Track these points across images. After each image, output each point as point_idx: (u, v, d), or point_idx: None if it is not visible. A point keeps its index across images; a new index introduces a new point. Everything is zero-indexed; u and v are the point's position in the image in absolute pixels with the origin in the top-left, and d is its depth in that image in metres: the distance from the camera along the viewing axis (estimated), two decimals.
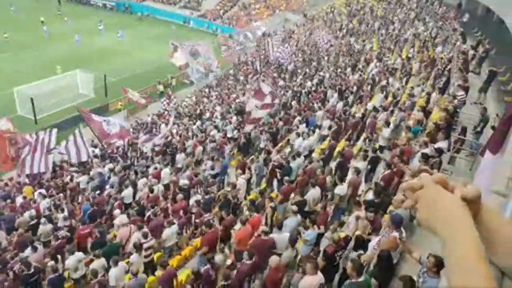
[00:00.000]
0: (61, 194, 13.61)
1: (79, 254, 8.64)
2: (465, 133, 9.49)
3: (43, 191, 13.60)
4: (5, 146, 13.25)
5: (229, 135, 16.40)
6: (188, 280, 7.57)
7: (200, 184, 11.77)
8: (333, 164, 10.90)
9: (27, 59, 33.20)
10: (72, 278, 8.53)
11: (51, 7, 51.28)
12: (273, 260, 6.35)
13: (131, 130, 21.88)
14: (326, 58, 27.95)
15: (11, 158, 13.73)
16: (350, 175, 9.56)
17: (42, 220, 10.40)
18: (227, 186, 11.45)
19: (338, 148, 12.16)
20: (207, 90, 30.19)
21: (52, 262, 8.41)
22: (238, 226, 8.54)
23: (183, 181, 11.97)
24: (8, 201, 13.84)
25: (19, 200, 13.71)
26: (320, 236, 7.91)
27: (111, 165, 15.36)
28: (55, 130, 14.32)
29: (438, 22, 27.15)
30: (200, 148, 15.02)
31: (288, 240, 6.98)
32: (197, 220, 9.34)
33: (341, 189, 9.06)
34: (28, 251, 9.02)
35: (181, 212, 9.70)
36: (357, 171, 9.24)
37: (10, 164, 13.99)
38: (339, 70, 23.23)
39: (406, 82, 17.44)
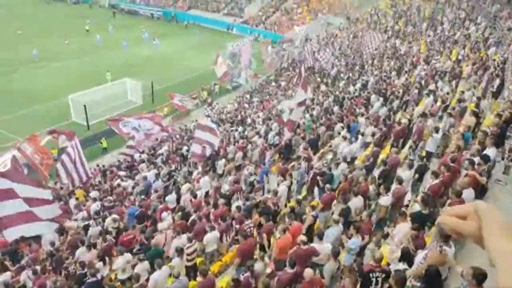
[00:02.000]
0: (110, 197, 14.29)
1: (127, 256, 8.98)
2: None
3: (95, 194, 14.35)
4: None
5: (270, 141, 16.42)
6: (228, 287, 7.64)
7: (240, 190, 11.87)
8: (376, 173, 10.57)
9: (80, 67, 35.25)
10: (119, 279, 8.91)
11: (103, 18, 54.27)
12: (308, 272, 6.24)
13: (176, 136, 22.61)
14: (370, 61, 27.26)
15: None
16: (394, 185, 9.23)
17: (91, 222, 10.96)
18: (267, 193, 11.45)
19: (382, 156, 11.78)
20: (248, 96, 30.48)
21: (100, 264, 8.83)
22: (277, 234, 8.50)
23: (225, 187, 12.15)
24: (61, 203, 14.73)
25: (72, 202, 14.57)
26: (363, 247, 7.71)
27: (155, 170, 15.88)
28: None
29: (490, 21, 25.60)
30: (240, 153, 15.16)
31: (331, 252, 6.82)
32: (237, 226, 9.40)
33: (386, 200, 8.77)
34: (81, 249, 9.55)
35: (220, 219, 9.81)
36: (400, 181, 8.90)
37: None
38: (384, 74, 22.56)
39: (456, 86, 16.59)
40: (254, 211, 10.23)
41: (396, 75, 21.34)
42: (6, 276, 9.18)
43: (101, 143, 22.92)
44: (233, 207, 10.39)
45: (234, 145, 16.78)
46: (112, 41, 43.68)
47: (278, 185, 11.18)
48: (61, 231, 11.68)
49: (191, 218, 10.07)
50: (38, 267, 9.11)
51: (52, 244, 10.52)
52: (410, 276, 5.79)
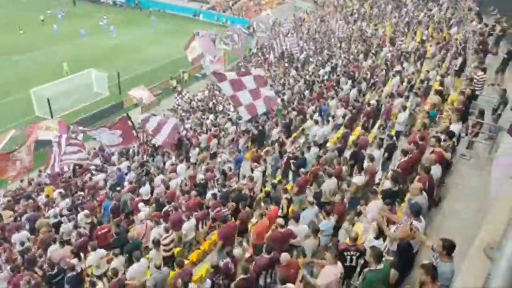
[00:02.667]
0: (82, 193, 13.90)
1: (100, 251, 8.81)
2: (483, 116, 9.22)
3: (62, 190, 13.90)
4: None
5: (243, 127, 16.40)
6: (207, 274, 7.66)
7: (215, 178, 11.84)
8: (348, 154, 10.79)
9: (38, 60, 33.68)
10: (95, 275, 8.74)
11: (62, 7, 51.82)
12: (284, 257, 6.35)
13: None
14: (338, 45, 27.53)
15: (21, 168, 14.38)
16: (366, 163, 9.46)
17: (63, 219, 10.66)
18: (242, 179, 11.47)
19: (352, 137, 12.03)
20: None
21: (75, 260, 8.62)
22: (254, 219, 8.56)
23: (200, 176, 12.07)
24: (30, 200, 14.23)
25: (41, 199, 14.10)
26: (338, 227, 7.89)
27: (127, 163, 15.54)
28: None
29: (452, 2, 26.35)
30: (214, 141, 15.08)
31: (311, 230, 6.95)
32: (213, 214, 9.40)
33: (359, 179, 8.98)
34: (55, 247, 9.29)
35: (196, 207, 9.76)
36: (372, 159, 9.14)
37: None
38: (352, 56, 22.88)
39: (421, 66, 17.06)
40: (230, 198, 10.26)
41: (364, 58, 21.68)
42: None
43: None
44: (208, 195, 10.36)
45: (206, 133, 16.65)
46: (73, 31, 41.87)
47: (252, 171, 11.22)
48: (32, 230, 11.33)
49: (165, 208, 9.97)
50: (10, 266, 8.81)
51: (22, 243, 10.17)
52: (384, 248, 6.00)
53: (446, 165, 8.09)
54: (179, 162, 13.85)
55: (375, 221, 6.50)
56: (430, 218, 7.11)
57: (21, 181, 16.72)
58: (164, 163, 15.01)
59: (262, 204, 8.96)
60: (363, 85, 16.72)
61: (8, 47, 35.99)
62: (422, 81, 14.31)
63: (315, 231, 6.94)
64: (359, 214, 8.12)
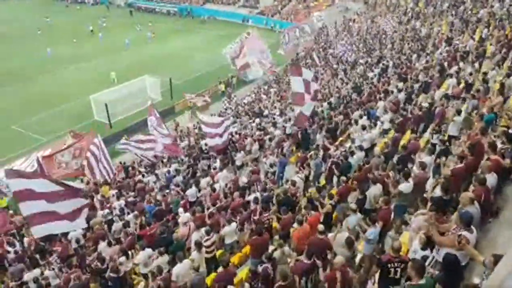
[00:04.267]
0: (132, 193, 14.58)
1: (148, 250, 9.16)
2: None
3: (117, 191, 14.66)
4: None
5: (288, 131, 16.31)
6: (247, 278, 7.67)
7: (258, 181, 11.85)
8: (396, 159, 10.32)
9: (100, 68, 35.98)
10: (142, 273, 9.10)
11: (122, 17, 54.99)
12: (338, 259, 6.16)
13: (195, 130, 22.78)
14: (389, 45, 26.52)
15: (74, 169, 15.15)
16: (416, 170, 8.96)
17: (115, 218, 11.23)
18: (285, 184, 11.38)
19: (402, 142, 11.47)
20: (265, 87, 30.31)
21: (124, 258, 9.03)
22: (295, 224, 8.44)
23: (243, 179, 12.16)
24: (87, 198, 15.17)
25: (98, 198, 14.97)
26: (383, 234, 7.56)
27: (176, 165, 16.07)
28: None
29: None
30: (256, 145, 15.15)
31: (345, 241, 6.71)
32: (255, 218, 9.41)
33: (406, 187, 8.52)
34: (103, 245, 9.82)
35: (240, 210, 9.82)
36: (423, 166, 8.64)
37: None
38: (404, 57, 21.92)
39: (480, 66, 15.91)
40: (271, 202, 10.23)
41: (417, 58, 20.68)
42: (35, 273, 9.54)
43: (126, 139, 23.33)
44: (251, 198, 10.39)
45: (252, 137, 16.76)
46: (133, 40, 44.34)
47: (296, 175, 11.10)
48: (87, 227, 12.02)
49: (209, 211, 10.14)
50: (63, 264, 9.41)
51: (77, 241, 10.85)
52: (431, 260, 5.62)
53: (506, 173, 7.45)
54: (223, 165, 14.08)
55: (422, 230, 6.14)
56: (485, 230, 6.58)
57: (82, 180, 17.86)
58: (209, 166, 15.31)
59: (303, 210, 8.81)
60: (416, 87, 15.94)
61: (72, 55, 39.00)
62: (480, 82, 13.33)
63: (350, 243, 6.69)
64: (406, 223, 7.71)
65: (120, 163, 19.86)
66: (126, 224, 10.76)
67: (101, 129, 21.94)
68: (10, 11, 60.42)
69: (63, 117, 26.78)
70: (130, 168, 18.26)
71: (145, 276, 8.91)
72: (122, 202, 13.17)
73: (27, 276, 9.44)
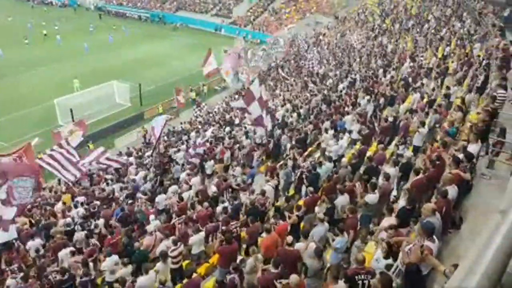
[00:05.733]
0: (97, 202, 14.07)
1: (115, 257, 8.83)
2: (505, 134, 8.86)
3: (81, 198, 14.11)
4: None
5: (258, 141, 16.36)
6: None
7: (227, 190, 11.78)
8: (362, 170, 10.55)
9: (62, 71, 34.81)
10: (107, 281, 8.75)
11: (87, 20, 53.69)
12: (294, 278, 6.06)
13: (164, 137, 22.40)
14: (357, 60, 27.34)
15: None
16: (381, 181, 9.19)
17: (77, 227, 10.78)
18: (253, 194, 11.36)
19: (369, 153, 11.77)
20: (237, 96, 30.36)
21: (85, 269, 8.66)
22: (264, 234, 8.42)
23: (213, 188, 12.04)
24: (48, 208, 14.51)
25: (59, 207, 14.33)
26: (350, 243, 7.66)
27: (143, 173, 15.70)
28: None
29: (475, 18, 25.81)
30: (228, 154, 15.08)
31: (314, 251, 6.74)
32: (223, 228, 9.30)
33: (372, 198, 8.71)
34: (66, 252, 9.40)
35: (207, 219, 9.71)
36: (387, 177, 8.88)
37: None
38: (371, 71, 22.63)
39: (442, 82, 16.67)
40: (241, 212, 10.17)
41: (383, 73, 21.41)
42: None
43: (88, 146, 22.60)
44: (220, 208, 10.29)
45: (223, 145, 16.68)
46: (101, 44, 43.35)
47: (265, 185, 11.11)
48: (47, 236, 11.49)
49: (174, 220, 9.95)
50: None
51: (37, 250, 10.32)
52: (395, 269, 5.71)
53: (466, 186, 7.78)
54: (193, 174, 13.89)
55: (385, 240, 6.27)
56: (446, 241, 6.81)
57: (44, 188, 17.06)
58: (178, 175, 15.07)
59: (272, 219, 8.82)
60: (382, 101, 16.46)
61: (33, 59, 37.58)
62: (443, 97, 13.96)
63: (319, 253, 6.73)
64: (371, 233, 7.87)
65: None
66: (89, 235, 10.36)
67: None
68: None
69: (26, 122, 25.65)
70: (95, 176, 17.67)
71: (110, 285, 8.57)
72: (80, 209, 12.62)
73: None
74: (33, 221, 12.69)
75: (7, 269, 9.31)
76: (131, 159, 18.81)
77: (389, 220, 7.17)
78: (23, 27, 48.05)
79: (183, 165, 16.18)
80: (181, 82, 33.64)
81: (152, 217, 10.84)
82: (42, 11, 59.60)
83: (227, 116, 24.37)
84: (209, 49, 29.63)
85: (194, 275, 7.73)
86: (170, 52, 43.24)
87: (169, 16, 58.85)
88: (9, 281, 8.74)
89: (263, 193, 10.24)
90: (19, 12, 56.81)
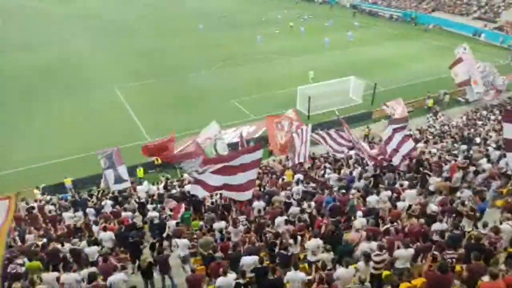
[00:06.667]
0: (313, 184, 15.17)
1: (320, 241, 9.21)
2: None
3: (300, 176, 15.52)
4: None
5: (502, 169, 13.76)
6: None
7: (450, 215, 10.51)
8: None
9: (310, 63, 38.23)
10: (308, 260, 9.43)
11: (342, 17, 56.82)
12: None
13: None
14: None
15: (280, 145, 16.86)
16: None
17: (293, 201, 12.01)
18: (482, 227, 9.69)
19: None
20: (484, 112, 26.20)
21: (291, 241, 9.53)
22: (485, 277, 7.13)
23: (432, 207, 11.00)
24: (273, 177, 16.70)
25: (280, 180, 16.27)
26: None
27: (360, 170, 15.79)
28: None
29: None
30: (459, 174, 13.33)
31: None
32: (436, 252, 8.41)
33: None
34: (280, 220, 10.82)
35: (418, 236, 8.97)
36: None
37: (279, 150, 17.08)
38: None
39: None
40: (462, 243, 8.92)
41: None
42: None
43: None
44: (435, 229, 9.32)
45: (455, 162, 14.89)
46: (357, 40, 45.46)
47: (500, 222, 9.33)
48: (268, 202, 13.20)
49: (386, 226, 9.63)
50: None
51: (259, 211, 12.05)
52: None
53: None
54: (408, 187, 12.99)
55: None
56: None
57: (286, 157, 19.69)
58: (394, 183, 14.42)
59: (502, 265, 7.36)
60: None
61: (289, 49, 42.92)
62: None
63: None
64: None
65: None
66: (302, 211, 11.34)
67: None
68: (252, 4, 70.80)
69: (271, 101, 29.86)
70: (316, 161, 18.97)
71: (309, 263, 9.15)
72: (301, 187, 13.85)
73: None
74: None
75: (238, 218, 11.38)
76: (352, 152, 19.16)
77: None
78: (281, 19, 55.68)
79: (399, 173, 15.39)
80: (419, 86, 31.66)
81: (360, 213, 10.87)
82: (304, 6, 67.12)
83: (466, 133, 21.45)
84: (459, 57, 26.77)
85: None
86: (414, 54, 41.22)
87: (422, 17, 55.70)
88: (240, 227, 10.68)
89: (496, 231, 8.63)
90: (286, 7, 65.86)
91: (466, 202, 11.02)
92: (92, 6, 70.81)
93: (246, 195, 11.25)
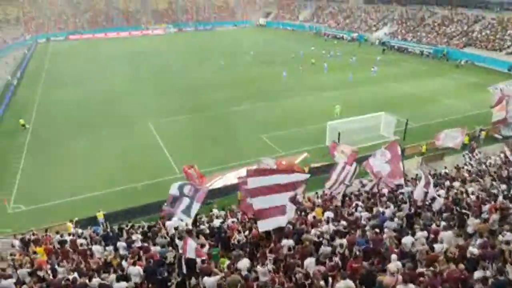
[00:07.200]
0: (344, 222, 14.74)
1: (350, 282, 8.97)
2: None
3: (330, 214, 15.14)
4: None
5: None
6: None
7: (494, 258, 9.87)
8: None
9: (335, 99, 38.27)
10: None
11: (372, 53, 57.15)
12: None
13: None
14: None
15: None
16: None
17: (324, 241, 11.64)
18: None
19: None
20: None
21: (322, 283, 9.22)
22: None
23: (472, 250, 10.38)
24: (302, 214, 16.37)
25: (310, 217, 15.89)
26: None
27: (393, 208, 15.26)
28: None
29: None
30: (496, 216, 12.63)
31: None
32: None
33: None
34: (310, 260, 10.43)
35: (459, 284, 8.44)
36: None
37: None
38: None
39: None
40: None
41: None
42: None
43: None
44: (478, 276, 8.74)
45: (495, 202, 14.16)
46: (384, 76, 45.46)
47: None
48: (296, 240, 12.90)
49: (422, 270, 9.14)
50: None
51: (289, 249, 11.76)
52: None
53: None
54: (448, 226, 12.39)
55: None
56: None
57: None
58: (431, 224, 13.79)
59: None
60: None
61: (318, 86, 43.41)
62: None
63: None
64: None
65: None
66: (334, 251, 10.98)
67: (328, 156, 23.31)
68: (280, 41, 72.71)
69: (300, 137, 29.82)
70: (347, 198, 18.55)
71: None
72: (331, 226, 13.50)
73: None
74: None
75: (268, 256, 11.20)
76: (385, 190, 18.63)
77: None
78: (315, 56, 56.65)
79: (434, 213, 14.73)
80: (453, 123, 30.85)
81: (394, 256, 10.39)
82: (331, 44, 68.25)
83: (504, 173, 20.45)
84: (502, 95, 26.19)
85: None
86: (446, 90, 40.62)
87: (454, 52, 55.21)
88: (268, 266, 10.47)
89: None
90: (315, 44, 67.16)
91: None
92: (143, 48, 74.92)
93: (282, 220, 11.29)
